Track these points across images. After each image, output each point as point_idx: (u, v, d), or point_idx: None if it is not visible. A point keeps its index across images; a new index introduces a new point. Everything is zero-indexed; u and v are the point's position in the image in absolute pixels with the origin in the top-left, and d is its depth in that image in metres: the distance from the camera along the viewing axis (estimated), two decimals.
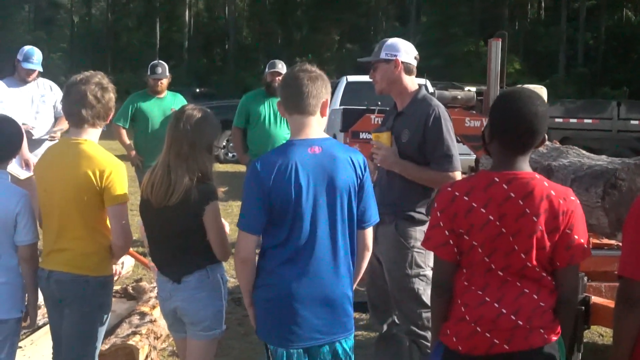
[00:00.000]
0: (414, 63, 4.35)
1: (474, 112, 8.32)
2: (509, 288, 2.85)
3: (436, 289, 3.03)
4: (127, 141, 8.35)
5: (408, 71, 4.32)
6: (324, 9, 43.70)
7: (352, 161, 3.31)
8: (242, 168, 12.05)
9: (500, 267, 2.85)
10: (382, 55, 4.32)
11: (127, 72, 40.46)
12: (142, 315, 5.30)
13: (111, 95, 3.83)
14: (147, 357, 5.01)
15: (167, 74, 8.39)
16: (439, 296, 3.00)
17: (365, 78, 15.19)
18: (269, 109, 8.24)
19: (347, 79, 15.35)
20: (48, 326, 4.76)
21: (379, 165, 4.30)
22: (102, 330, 3.86)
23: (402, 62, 4.28)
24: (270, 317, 3.31)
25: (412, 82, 4.35)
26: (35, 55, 7.23)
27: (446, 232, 2.91)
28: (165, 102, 8.30)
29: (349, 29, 44.92)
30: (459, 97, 8.49)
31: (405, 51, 4.34)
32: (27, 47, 7.34)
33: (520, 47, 39.45)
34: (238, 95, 26.80)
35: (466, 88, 10.90)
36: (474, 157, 12.54)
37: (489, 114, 2.97)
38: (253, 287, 3.36)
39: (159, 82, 8.30)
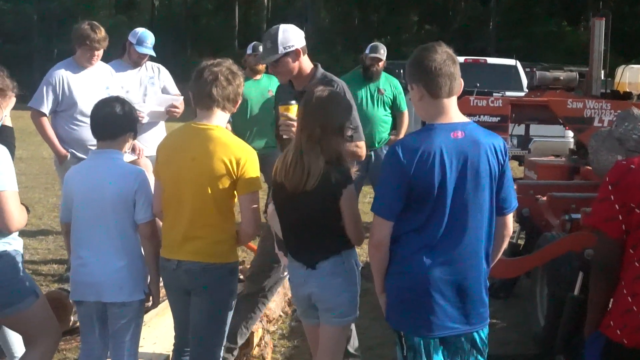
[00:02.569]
0: (304, 42, 4.45)
1: (576, 93, 8.11)
2: None
3: (601, 272, 2.90)
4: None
5: (304, 53, 4.43)
6: None
7: (494, 146, 3.22)
8: None
9: None
10: (282, 50, 4.35)
11: (206, 55, 40.69)
12: None
13: (241, 81, 3.83)
14: (260, 339, 5.03)
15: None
16: (605, 281, 2.87)
17: None
18: (366, 92, 8.18)
19: None
20: (159, 307, 4.82)
21: (287, 136, 4.18)
22: (230, 315, 3.89)
23: (301, 49, 4.40)
24: (405, 306, 3.24)
25: (308, 62, 4.50)
26: (149, 39, 7.13)
27: (616, 206, 2.82)
28: (262, 84, 8.13)
29: (427, 9, 44.35)
30: (561, 78, 8.30)
31: (298, 36, 4.42)
32: (140, 30, 7.22)
33: None
34: None
35: (565, 69, 10.62)
36: (569, 140, 12.35)
37: None
38: (386, 274, 3.29)
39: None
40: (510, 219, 3.37)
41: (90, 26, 6.58)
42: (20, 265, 3.84)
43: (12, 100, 4.28)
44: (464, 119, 3.27)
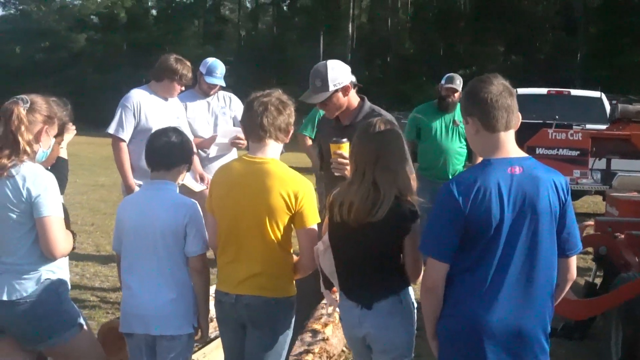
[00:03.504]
0: (352, 77, 4.49)
1: None
2: None
3: None
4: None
5: (353, 88, 4.49)
6: (487, 19, 42.89)
7: (554, 183, 3.06)
8: None
9: None
10: (332, 88, 4.36)
11: (291, 84, 41.15)
12: (314, 333, 5.20)
13: (291, 110, 3.76)
14: None
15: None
16: None
17: (535, 90, 14.81)
18: (441, 122, 8.04)
19: (517, 91, 14.79)
20: (219, 340, 4.74)
21: (339, 174, 4.16)
22: (287, 348, 3.83)
23: (350, 85, 4.44)
24: (456, 351, 3.09)
25: (355, 96, 4.57)
26: (219, 69, 7.10)
27: None
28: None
29: (513, 40, 43.82)
30: None
31: (345, 72, 4.42)
32: (210, 60, 7.17)
33: None
34: (396, 107, 26.60)
35: None
36: None
37: None
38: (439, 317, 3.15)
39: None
40: (573, 261, 3.20)
41: (178, 60, 6.48)
42: (64, 295, 3.82)
43: (71, 133, 4.29)
44: (522, 154, 3.13)
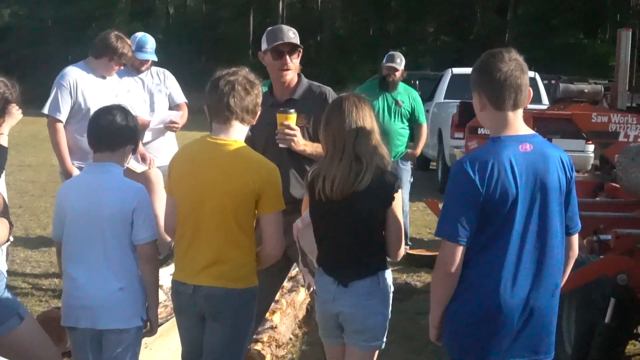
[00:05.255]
0: None
1: (601, 106, 7.84)
2: None
3: None
4: None
5: None
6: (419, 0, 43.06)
7: (561, 160, 3.00)
8: None
9: None
10: (298, 42, 4.31)
11: (222, 62, 40.67)
12: (263, 321, 5.01)
13: (259, 90, 3.56)
14: None
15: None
16: None
17: (470, 71, 14.82)
18: (383, 102, 7.94)
19: (452, 71, 14.85)
20: (162, 328, 4.55)
21: (284, 146, 4.11)
22: (249, 340, 3.69)
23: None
24: (470, 334, 3.00)
25: None
26: (149, 44, 6.81)
27: None
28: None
29: (445, 20, 44.11)
30: (586, 90, 8.02)
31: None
32: (139, 35, 6.89)
33: None
34: (332, 87, 26.73)
35: (590, 81, 10.32)
36: (590, 155, 12.03)
37: None
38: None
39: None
40: (576, 239, 3.18)
41: (118, 38, 6.19)
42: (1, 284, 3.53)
43: (15, 118, 4.01)
44: (530, 131, 3.06)
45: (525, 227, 2.94)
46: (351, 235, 3.52)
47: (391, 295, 3.63)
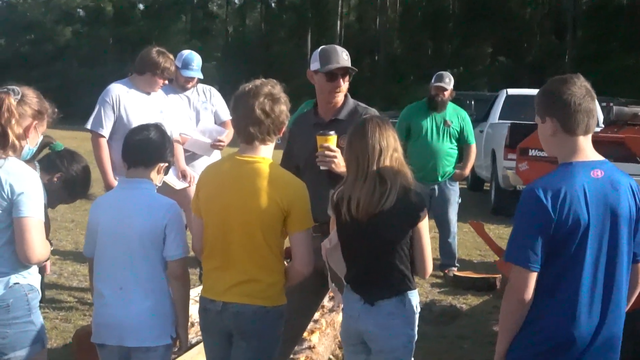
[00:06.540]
0: None
1: None
2: None
3: None
4: None
5: None
6: (476, 21, 42.80)
7: (631, 187, 2.96)
8: None
9: None
10: (350, 64, 4.25)
11: (278, 82, 40.98)
12: (301, 340, 4.96)
13: (282, 108, 3.48)
14: None
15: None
16: None
17: (525, 91, 14.62)
18: (431, 122, 7.85)
19: (507, 92, 14.64)
20: (198, 348, 4.52)
21: (325, 168, 4.03)
22: (276, 358, 3.61)
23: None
24: None
25: None
26: (195, 61, 6.85)
27: None
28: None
29: (501, 42, 43.77)
30: None
31: None
32: (185, 52, 6.93)
33: None
34: (384, 107, 26.46)
35: None
36: None
37: None
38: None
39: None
40: None
41: (160, 53, 6.23)
42: (33, 303, 3.45)
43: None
44: (600, 157, 3.01)
45: (596, 256, 2.90)
46: (378, 255, 3.53)
47: (417, 316, 3.61)
